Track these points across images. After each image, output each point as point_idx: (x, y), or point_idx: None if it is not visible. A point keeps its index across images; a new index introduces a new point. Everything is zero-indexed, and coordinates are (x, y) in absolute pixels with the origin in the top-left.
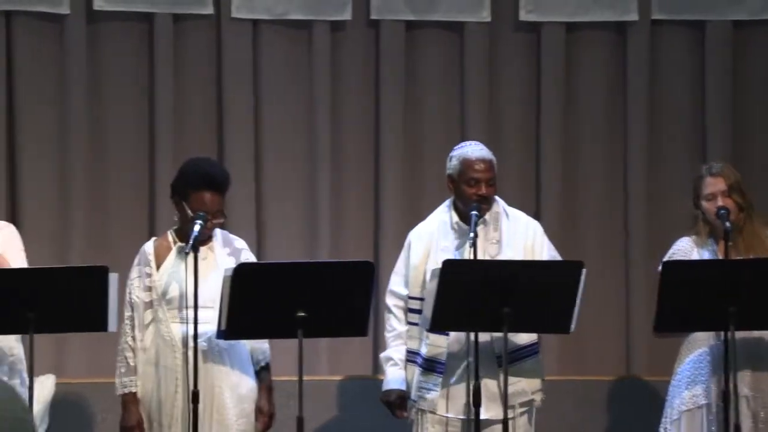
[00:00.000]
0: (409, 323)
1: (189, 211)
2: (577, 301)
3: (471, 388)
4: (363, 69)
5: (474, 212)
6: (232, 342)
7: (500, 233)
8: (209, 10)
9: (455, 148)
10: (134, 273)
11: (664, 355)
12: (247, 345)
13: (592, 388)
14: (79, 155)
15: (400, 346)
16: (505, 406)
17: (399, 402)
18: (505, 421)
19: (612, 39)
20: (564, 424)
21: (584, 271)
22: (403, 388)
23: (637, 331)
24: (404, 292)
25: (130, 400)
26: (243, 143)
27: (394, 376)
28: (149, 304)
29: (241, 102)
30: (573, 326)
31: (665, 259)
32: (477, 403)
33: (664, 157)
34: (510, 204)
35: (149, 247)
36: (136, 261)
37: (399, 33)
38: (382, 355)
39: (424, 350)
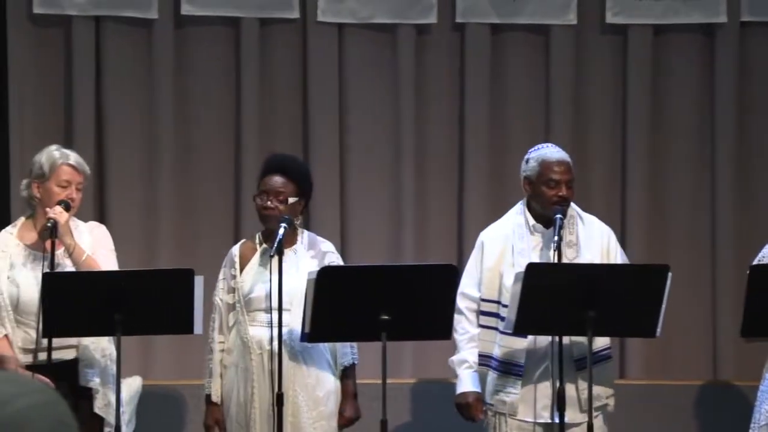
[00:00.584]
0: (481, 326)
1: (255, 201)
2: (663, 305)
3: (554, 392)
4: (448, 72)
5: (559, 215)
6: (309, 345)
7: (576, 236)
8: (295, 14)
9: (531, 150)
10: (221, 275)
11: (753, 360)
12: (329, 347)
13: (679, 393)
14: (166, 158)
15: (473, 349)
16: (590, 409)
17: (476, 404)
18: (590, 425)
19: (700, 41)
20: (650, 429)
21: (670, 274)
22: (479, 390)
23: (725, 335)
24: (476, 294)
25: (207, 401)
26: (328, 146)
27: (470, 378)
28: (232, 306)
29: (327, 105)
30: (659, 330)
31: (754, 262)
32: (561, 407)
33: (753, 159)
34: (596, 204)
35: (236, 249)
36: (223, 263)
37: (484, 36)
38: (455, 357)
39: (497, 352)
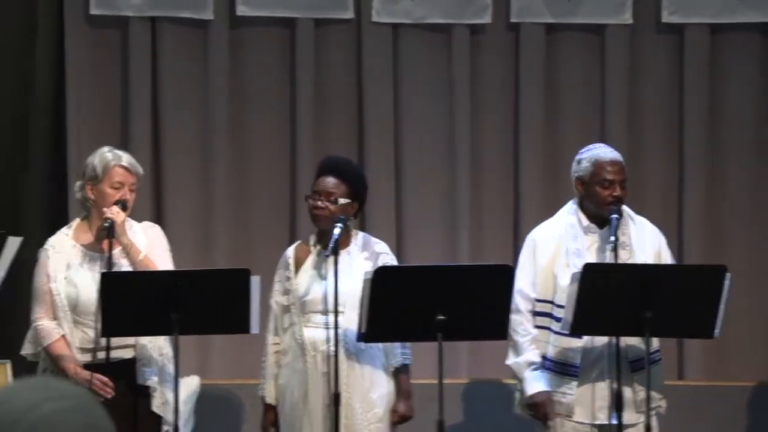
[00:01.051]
0: (535, 326)
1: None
2: (721, 306)
3: (612, 393)
4: (502, 72)
5: (614, 215)
6: (363, 346)
7: (628, 237)
8: (350, 14)
9: (582, 150)
10: (276, 277)
11: None
12: (383, 349)
13: (737, 394)
14: (222, 158)
15: (536, 350)
16: (647, 409)
17: (550, 403)
18: (648, 426)
19: (758, 41)
20: (708, 429)
21: (728, 275)
22: (550, 389)
23: None
24: (532, 294)
25: (264, 403)
26: (383, 146)
27: (539, 378)
28: (287, 308)
29: (381, 105)
30: (717, 331)
31: None
32: (619, 408)
33: None
34: (653, 205)
35: (290, 251)
36: (278, 265)
37: (539, 36)
38: (520, 359)
39: (551, 353)
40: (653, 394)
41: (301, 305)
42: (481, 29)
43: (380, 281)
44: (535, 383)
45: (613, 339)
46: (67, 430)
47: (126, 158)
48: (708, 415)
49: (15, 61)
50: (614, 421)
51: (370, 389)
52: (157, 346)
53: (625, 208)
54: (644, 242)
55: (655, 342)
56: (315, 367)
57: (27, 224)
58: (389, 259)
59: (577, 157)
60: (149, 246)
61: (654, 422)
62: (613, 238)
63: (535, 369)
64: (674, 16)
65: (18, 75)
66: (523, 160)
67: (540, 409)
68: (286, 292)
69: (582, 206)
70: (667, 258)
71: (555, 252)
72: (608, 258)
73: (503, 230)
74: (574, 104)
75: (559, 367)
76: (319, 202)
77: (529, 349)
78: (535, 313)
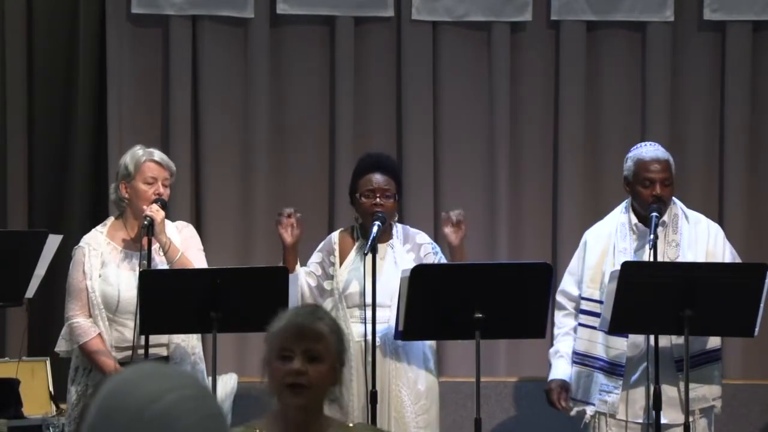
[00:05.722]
0: (582, 325)
1: (360, 199)
2: (761, 304)
3: (651, 392)
4: (543, 70)
5: (654, 213)
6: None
7: (679, 235)
8: (390, 12)
9: (631, 149)
10: (316, 257)
11: None
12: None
13: None
14: (261, 156)
15: (568, 340)
16: (687, 410)
17: (559, 391)
18: (686, 426)
19: None
20: (749, 429)
21: None
22: (566, 378)
23: None
24: (576, 292)
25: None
26: (422, 144)
27: (559, 366)
28: (329, 293)
29: (421, 103)
30: (757, 330)
31: None
32: (657, 407)
33: None
34: (694, 204)
35: (335, 237)
36: (319, 247)
37: (580, 34)
38: (551, 349)
39: (603, 353)
40: (705, 393)
41: (344, 298)
42: (522, 27)
43: (417, 279)
44: (553, 371)
45: (659, 338)
46: (189, 420)
47: (158, 154)
48: (746, 413)
49: (57, 59)
50: (662, 420)
51: (417, 381)
52: (190, 345)
53: (680, 205)
54: (696, 241)
55: (717, 340)
56: (362, 357)
57: (68, 222)
58: (430, 248)
59: (626, 156)
60: (184, 245)
61: (704, 423)
62: (651, 236)
63: (560, 357)
64: (716, 14)
65: (60, 73)
66: (563, 159)
67: (550, 394)
68: (330, 277)
69: (633, 205)
70: (723, 255)
71: (604, 251)
72: (646, 256)
73: (542, 228)
74: (614, 102)
75: (609, 367)
76: (378, 199)
77: (560, 339)
78: (584, 312)
